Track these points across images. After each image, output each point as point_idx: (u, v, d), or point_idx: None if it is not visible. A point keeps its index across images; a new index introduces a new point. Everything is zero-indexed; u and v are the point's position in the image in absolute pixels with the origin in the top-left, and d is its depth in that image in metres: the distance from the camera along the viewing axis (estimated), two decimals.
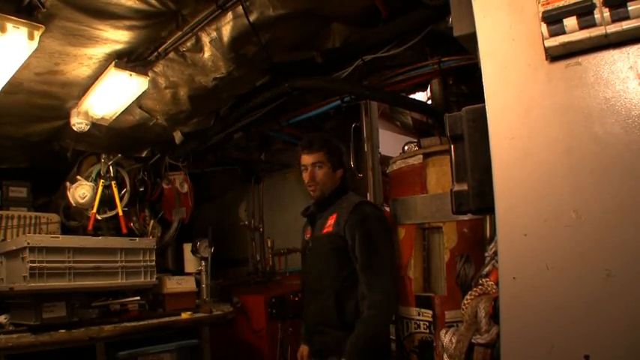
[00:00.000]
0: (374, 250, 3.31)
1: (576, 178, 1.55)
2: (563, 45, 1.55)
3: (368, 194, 4.98)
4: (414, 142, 4.03)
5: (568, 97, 1.57)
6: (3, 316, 4.09)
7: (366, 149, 5.23)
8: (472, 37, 1.94)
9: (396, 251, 3.84)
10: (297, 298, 5.31)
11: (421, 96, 4.74)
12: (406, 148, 4.07)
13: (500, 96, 1.70)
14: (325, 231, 3.50)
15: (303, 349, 3.71)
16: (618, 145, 1.50)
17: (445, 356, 2.21)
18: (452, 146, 2.06)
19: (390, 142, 6.07)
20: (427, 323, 3.66)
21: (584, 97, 1.55)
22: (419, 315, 3.71)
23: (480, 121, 1.84)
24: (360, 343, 3.17)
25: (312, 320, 3.60)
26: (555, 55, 1.59)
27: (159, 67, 3.89)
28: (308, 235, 3.81)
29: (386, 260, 3.35)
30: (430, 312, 3.64)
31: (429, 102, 4.40)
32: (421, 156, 3.76)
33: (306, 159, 3.62)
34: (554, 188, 1.58)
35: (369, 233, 3.34)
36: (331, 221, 3.48)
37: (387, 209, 4.43)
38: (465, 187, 2.00)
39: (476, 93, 2.00)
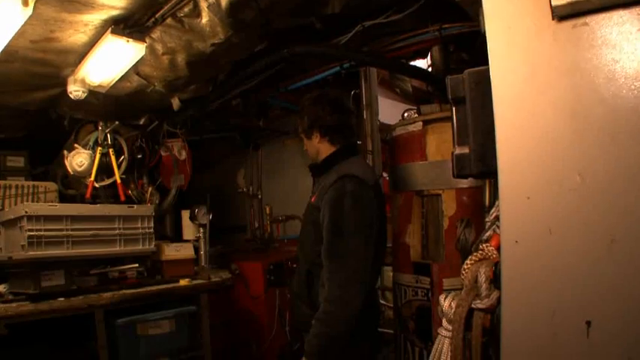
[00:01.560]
0: (341, 235, 3.02)
1: (582, 141, 1.52)
2: (571, 4, 1.51)
3: (367, 161, 4.98)
4: (414, 109, 4.01)
5: (575, 58, 1.54)
6: (2, 286, 4.11)
7: (365, 116, 5.22)
8: (475, 1, 1.91)
9: (394, 229, 3.83)
10: (294, 265, 5.32)
11: (421, 63, 4.71)
12: (406, 115, 4.05)
13: (504, 57, 1.67)
14: (312, 200, 3.35)
15: None
16: (625, 107, 1.47)
17: (444, 321, 2.21)
18: (453, 109, 2.04)
19: (389, 110, 6.07)
20: (425, 290, 3.67)
21: (591, 59, 1.52)
22: (417, 282, 3.72)
23: (482, 84, 1.81)
24: (318, 344, 2.98)
25: (293, 290, 3.54)
26: (562, 15, 1.56)
27: (156, 33, 3.84)
28: None
29: (354, 247, 3.01)
30: (428, 279, 3.65)
31: (430, 69, 4.38)
32: (421, 123, 3.74)
33: None
34: (558, 151, 1.56)
35: (340, 215, 3.03)
36: (318, 190, 3.29)
37: (386, 176, 4.41)
38: (466, 150, 1.98)
39: (477, 61, 1.98)
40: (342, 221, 3.02)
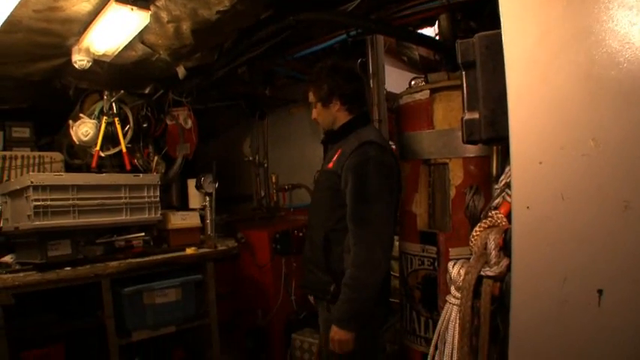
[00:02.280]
0: (366, 200, 3.08)
1: (596, 105, 1.50)
2: None
3: None
4: (421, 77, 3.96)
5: (589, 20, 1.51)
6: (9, 256, 4.13)
7: (371, 85, 5.18)
8: None
9: (402, 197, 3.81)
10: (301, 234, 5.33)
11: (429, 32, 4.66)
12: (413, 83, 4.01)
13: (516, 18, 1.64)
14: (328, 166, 3.34)
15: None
16: None
17: (453, 288, 2.20)
18: (463, 74, 2.01)
19: (395, 79, 6.02)
20: (431, 260, 3.67)
21: (606, 21, 1.49)
22: (423, 251, 3.71)
23: (493, 48, 1.79)
24: (349, 309, 3.04)
25: (305, 256, 3.53)
26: None
27: (161, 1, 3.79)
28: None
29: (379, 212, 3.08)
30: (434, 248, 3.64)
31: (437, 38, 4.33)
32: (428, 91, 3.70)
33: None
34: (572, 115, 1.54)
35: (365, 180, 3.09)
36: (335, 157, 3.30)
37: (393, 146, 4.39)
38: (476, 115, 1.96)
39: (485, 30, 1.95)
40: (367, 186, 3.08)
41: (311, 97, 3.48)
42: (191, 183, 5.23)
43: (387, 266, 3.22)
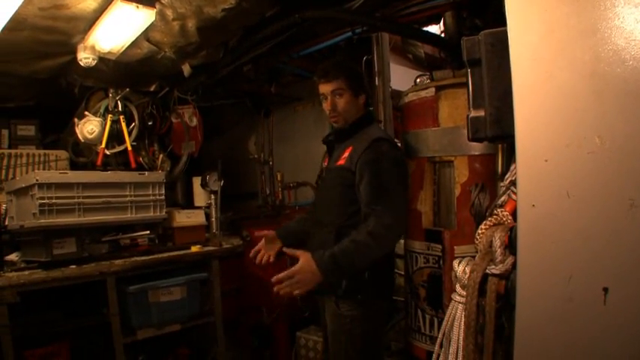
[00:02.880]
0: (383, 190, 3.10)
1: (601, 103, 1.49)
2: None
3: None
4: (426, 75, 3.95)
5: (594, 17, 1.51)
6: (14, 254, 4.13)
7: (377, 83, 5.17)
8: None
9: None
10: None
11: (434, 29, 4.65)
12: (418, 80, 4.00)
13: (522, 15, 1.64)
14: (338, 163, 3.34)
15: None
16: None
17: (458, 286, 2.20)
18: (469, 71, 2.01)
19: (401, 77, 6.00)
20: (436, 258, 3.65)
21: (612, 18, 1.49)
22: (428, 249, 3.69)
23: (499, 45, 1.79)
24: (345, 263, 2.94)
25: None
26: None
27: None
28: (325, 164, 3.68)
29: (395, 199, 3.11)
30: (440, 246, 3.62)
31: (442, 36, 4.32)
32: (433, 89, 3.68)
33: (325, 87, 3.42)
34: (577, 112, 1.53)
35: (380, 176, 3.12)
36: (346, 154, 3.30)
37: (398, 143, 4.38)
38: (482, 113, 1.96)
39: (490, 27, 1.95)
40: (383, 179, 3.12)
41: (340, 84, 3.39)
42: (196, 181, 5.24)
43: (393, 246, 3.39)
